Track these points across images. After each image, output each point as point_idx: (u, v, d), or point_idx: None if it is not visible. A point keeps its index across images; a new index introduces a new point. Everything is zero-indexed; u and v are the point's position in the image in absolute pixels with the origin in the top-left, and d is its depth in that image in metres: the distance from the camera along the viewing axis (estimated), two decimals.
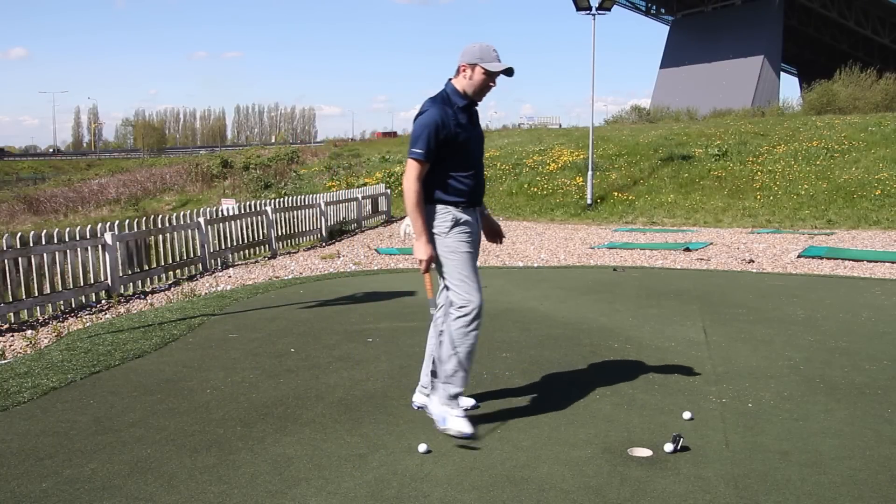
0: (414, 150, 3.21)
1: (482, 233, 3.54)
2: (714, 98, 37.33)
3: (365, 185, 18.45)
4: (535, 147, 23.37)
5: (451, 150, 3.23)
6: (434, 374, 3.35)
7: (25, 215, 26.50)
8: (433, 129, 3.19)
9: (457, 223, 3.29)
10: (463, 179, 3.29)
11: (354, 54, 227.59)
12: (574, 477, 2.83)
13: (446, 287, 3.33)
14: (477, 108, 3.41)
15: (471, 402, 3.60)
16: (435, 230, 3.28)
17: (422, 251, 3.23)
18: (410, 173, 3.21)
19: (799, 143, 19.44)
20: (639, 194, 17.56)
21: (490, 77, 3.27)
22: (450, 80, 3.36)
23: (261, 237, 10.79)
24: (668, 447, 3.04)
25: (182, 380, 4.13)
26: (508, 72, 3.28)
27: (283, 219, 11.50)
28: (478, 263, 3.40)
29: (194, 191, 27.63)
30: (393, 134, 52.73)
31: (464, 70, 3.28)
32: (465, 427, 3.19)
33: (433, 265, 3.30)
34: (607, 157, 20.47)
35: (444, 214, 3.28)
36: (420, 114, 3.27)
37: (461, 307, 3.24)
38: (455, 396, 3.27)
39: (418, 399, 3.61)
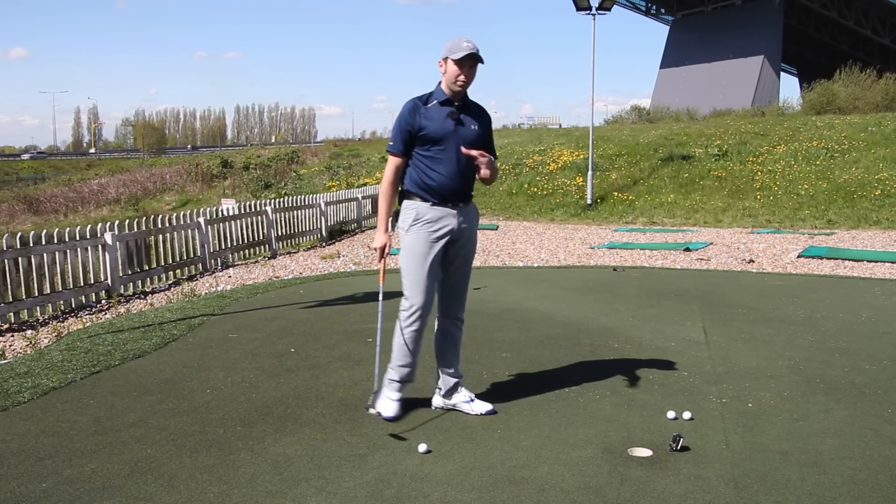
0: (389, 143, 3.41)
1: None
2: (714, 98, 37.31)
3: (365, 185, 18.44)
4: (535, 147, 23.36)
5: (422, 145, 3.31)
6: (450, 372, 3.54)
7: (25, 215, 26.52)
8: (400, 123, 3.34)
9: (417, 220, 3.32)
10: (433, 175, 3.29)
11: (354, 54, 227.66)
12: (574, 477, 2.83)
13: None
14: (470, 105, 3.38)
15: (488, 406, 3.52)
16: (399, 224, 3.41)
17: (377, 240, 3.40)
18: (387, 165, 3.42)
19: (799, 143, 19.44)
20: (639, 194, 17.57)
21: (459, 66, 3.26)
22: None
23: (261, 237, 10.79)
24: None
25: (182, 380, 4.13)
26: (473, 57, 3.24)
27: (283, 219, 11.49)
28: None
29: (194, 191, 27.64)
30: None
31: (440, 67, 3.36)
32: (387, 410, 3.40)
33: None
34: (607, 157, 20.47)
35: (408, 210, 3.37)
36: None
37: (405, 301, 3.38)
38: (392, 381, 3.46)
39: (437, 401, 3.60)
